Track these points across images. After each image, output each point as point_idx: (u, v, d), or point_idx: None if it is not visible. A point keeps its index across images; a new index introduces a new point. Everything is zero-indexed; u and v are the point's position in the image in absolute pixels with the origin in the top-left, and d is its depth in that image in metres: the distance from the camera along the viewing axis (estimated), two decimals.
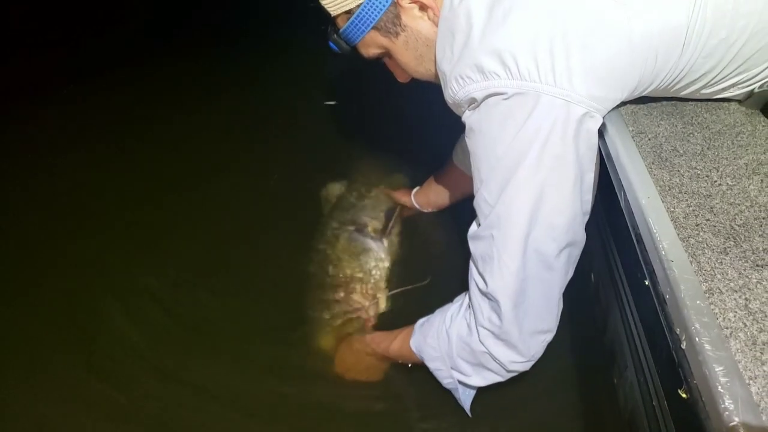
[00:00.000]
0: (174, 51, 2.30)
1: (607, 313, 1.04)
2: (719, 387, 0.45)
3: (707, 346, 0.49)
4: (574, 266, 0.81)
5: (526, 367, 0.85)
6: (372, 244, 1.33)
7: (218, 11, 2.64)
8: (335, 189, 1.54)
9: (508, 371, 0.85)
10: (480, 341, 0.83)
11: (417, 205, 1.48)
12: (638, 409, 0.84)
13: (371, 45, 0.87)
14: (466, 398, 0.96)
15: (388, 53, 0.88)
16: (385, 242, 1.35)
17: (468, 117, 0.78)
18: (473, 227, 0.84)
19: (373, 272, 1.28)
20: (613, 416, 0.98)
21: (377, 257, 1.31)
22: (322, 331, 1.20)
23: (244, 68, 2.26)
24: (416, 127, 1.82)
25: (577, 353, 1.13)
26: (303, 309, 1.24)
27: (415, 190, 1.48)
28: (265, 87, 2.14)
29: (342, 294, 1.24)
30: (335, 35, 0.87)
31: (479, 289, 0.82)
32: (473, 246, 0.82)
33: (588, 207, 0.78)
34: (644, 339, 0.78)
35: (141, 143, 1.81)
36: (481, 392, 0.98)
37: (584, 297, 1.13)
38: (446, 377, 0.94)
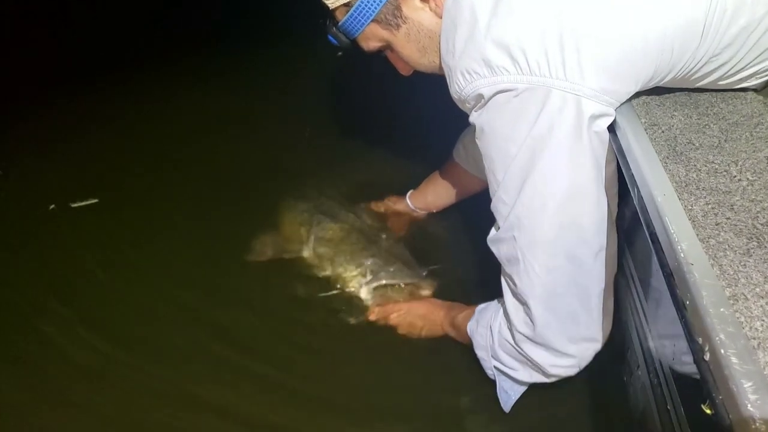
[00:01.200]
0: (170, 48, 2.27)
1: (617, 308, 1.01)
2: (749, 405, 0.42)
3: (734, 359, 0.45)
4: (614, 268, 0.79)
5: (570, 372, 0.83)
6: None
7: (215, 9, 2.61)
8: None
9: (549, 375, 0.83)
10: (517, 343, 0.82)
11: (413, 208, 1.42)
12: (650, 410, 0.81)
13: (371, 38, 0.84)
14: (513, 393, 0.94)
15: (389, 46, 0.85)
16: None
17: (477, 117, 0.75)
18: (492, 231, 0.81)
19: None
20: (622, 415, 0.96)
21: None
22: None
23: (235, 65, 2.24)
24: (408, 128, 1.77)
25: None
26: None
27: (409, 192, 1.42)
28: (255, 84, 2.12)
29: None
30: (334, 29, 0.84)
31: (510, 290, 0.80)
32: (495, 249, 0.80)
33: (611, 204, 0.75)
34: (658, 341, 0.75)
35: (132, 132, 1.84)
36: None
37: None
38: (488, 368, 0.94)
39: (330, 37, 0.85)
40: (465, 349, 1.01)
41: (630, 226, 0.88)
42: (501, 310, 0.87)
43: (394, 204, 1.44)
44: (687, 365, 0.63)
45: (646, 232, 0.65)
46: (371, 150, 1.68)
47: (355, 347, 1.14)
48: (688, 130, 0.74)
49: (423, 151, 1.53)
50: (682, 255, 0.56)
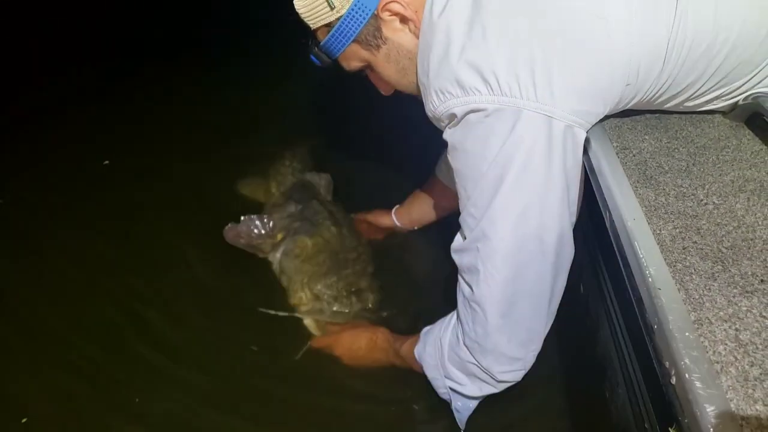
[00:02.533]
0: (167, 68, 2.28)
1: (597, 327, 1.02)
2: (711, 429, 0.44)
3: (698, 384, 0.47)
4: (565, 278, 0.80)
5: (517, 377, 0.84)
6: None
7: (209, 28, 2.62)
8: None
9: (499, 381, 0.84)
10: (468, 352, 0.82)
11: (398, 224, 1.43)
12: (630, 428, 0.83)
13: (352, 58, 0.85)
14: (464, 410, 0.94)
15: (369, 66, 0.87)
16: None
17: (450, 135, 0.77)
18: (457, 241, 0.83)
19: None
20: (607, 430, 0.97)
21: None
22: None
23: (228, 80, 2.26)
24: (395, 146, 1.77)
25: (568, 365, 1.11)
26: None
27: (395, 208, 1.44)
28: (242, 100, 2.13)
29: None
30: (316, 48, 0.85)
31: (465, 297, 0.81)
32: (458, 258, 0.81)
33: (574, 219, 0.77)
34: (635, 361, 0.76)
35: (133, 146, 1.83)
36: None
37: (574, 308, 1.12)
38: (441, 386, 0.93)
39: (312, 57, 0.87)
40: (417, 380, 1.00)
41: (606, 246, 0.89)
42: (451, 323, 0.88)
43: (379, 218, 1.46)
44: (657, 390, 0.64)
45: (618, 256, 0.67)
46: (358, 163, 1.70)
47: (293, 379, 1.10)
48: (658, 154, 0.76)
49: (411, 164, 1.55)
50: (650, 280, 0.58)
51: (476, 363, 0.83)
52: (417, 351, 0.96)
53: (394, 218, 1.43)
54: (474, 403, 0.94)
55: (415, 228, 1.44)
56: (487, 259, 0.75)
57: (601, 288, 0.95)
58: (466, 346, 0.83)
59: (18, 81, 2.01)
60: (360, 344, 1.11)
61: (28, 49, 2.17)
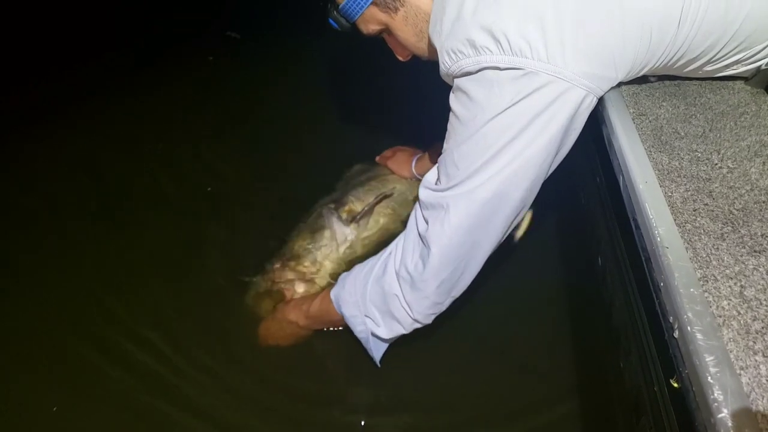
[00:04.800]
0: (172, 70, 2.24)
1: (614, 297, 1.03)
2: (709, 377, 0.45)
3: (699, 336, 0.48)
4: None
5: (429, 320, 0.89)
6: (336, 225, 1.31)
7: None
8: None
9: (413, 320, 0.88)
10: (396, 280, 0.86)
11: (417, 175, 1.44)
12: (642, 393, 0.83)
13: (371, 21, 0.86)
14: (377, 349, 0.98)
15: (387, 29, 0.87)
16: (352, 228, 1.31)
17: (459, 80, 0.77)
18: (430, 176, 0.84)
19: (320, 253, 1.27)
20: (621, 399, 0.98)
21: (335, 239, 1.29)
22: (251, 290, 1.24)
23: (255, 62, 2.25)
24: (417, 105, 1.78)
25: (586, 336, 1.12)
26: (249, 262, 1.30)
27: (416, 157, 1.45)
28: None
29: (278, 265, 1.25)
30: (335, 12, 0.86)
31: (418, 231, 0.84)
32: (426, 195, 0.83)
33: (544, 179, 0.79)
34: (647, 325, 0.77)
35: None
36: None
37: (592, 280, 1.12)
38: (359, 324, 0.95)
39: (330, 21, 0.88)
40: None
41: (622, 216, 0.90)
42: (381, 258, 0.91)
43: (400, 167, 1.48)
44: (663, 346, 0.65)
45: (630, 218, 0.67)
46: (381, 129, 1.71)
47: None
48: (675, 120, 0.76)
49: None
50: (659, 239, 0.58)
51: (400, 295, 0.86)
52: (334, 293, 0.99)
53: (414, 169, 1.45)
54: (385, 345, 0.98)
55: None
56: (454, 206, 0.77)
57: (617, 258, 0.95)
58: (397, 276, 0.86)
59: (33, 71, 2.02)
60: (270, 323, 1.15)
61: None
